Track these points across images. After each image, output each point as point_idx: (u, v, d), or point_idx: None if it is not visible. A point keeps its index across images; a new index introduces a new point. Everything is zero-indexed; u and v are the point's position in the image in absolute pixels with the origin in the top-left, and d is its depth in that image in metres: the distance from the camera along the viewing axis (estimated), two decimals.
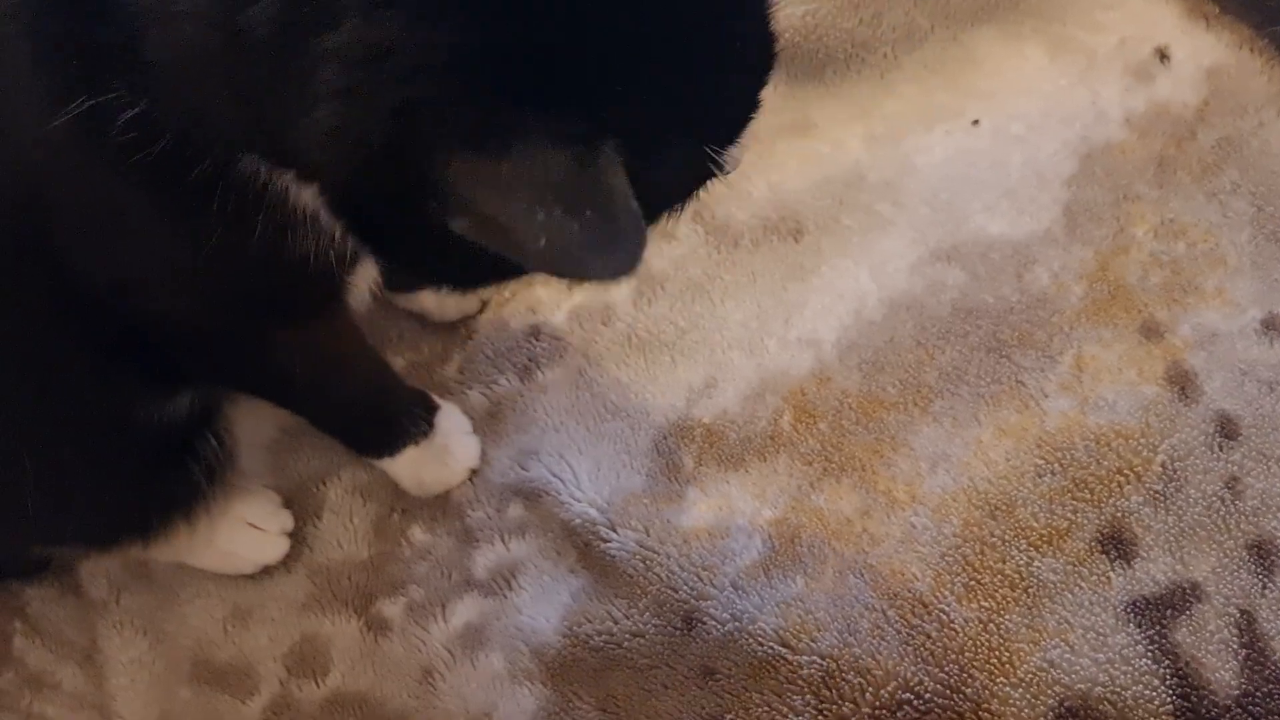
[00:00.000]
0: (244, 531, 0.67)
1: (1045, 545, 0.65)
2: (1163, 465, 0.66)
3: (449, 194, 0.38)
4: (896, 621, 0.64)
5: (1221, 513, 0.65)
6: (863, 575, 0.65)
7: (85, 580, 0.68)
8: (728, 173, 0.45)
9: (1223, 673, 0.62)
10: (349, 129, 0.38)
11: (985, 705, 0.62)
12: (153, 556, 0.67)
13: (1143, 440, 0.66)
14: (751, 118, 0.45)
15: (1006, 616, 0.63)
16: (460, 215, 0.39)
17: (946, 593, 0.64)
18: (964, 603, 0.64)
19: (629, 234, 0.39)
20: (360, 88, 0.38)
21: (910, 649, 0.63)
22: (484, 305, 0.73)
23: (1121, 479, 0.66)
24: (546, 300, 0.73)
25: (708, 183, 0.46)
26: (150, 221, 0.47)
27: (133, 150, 0.42)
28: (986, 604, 0.64)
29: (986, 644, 0.63)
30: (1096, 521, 0.65)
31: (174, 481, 0.60)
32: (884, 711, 0.62)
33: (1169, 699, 0.61)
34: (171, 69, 0.41)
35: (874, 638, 0.63)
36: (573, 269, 0.40)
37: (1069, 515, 0.65)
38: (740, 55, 0.44)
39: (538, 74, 0.39)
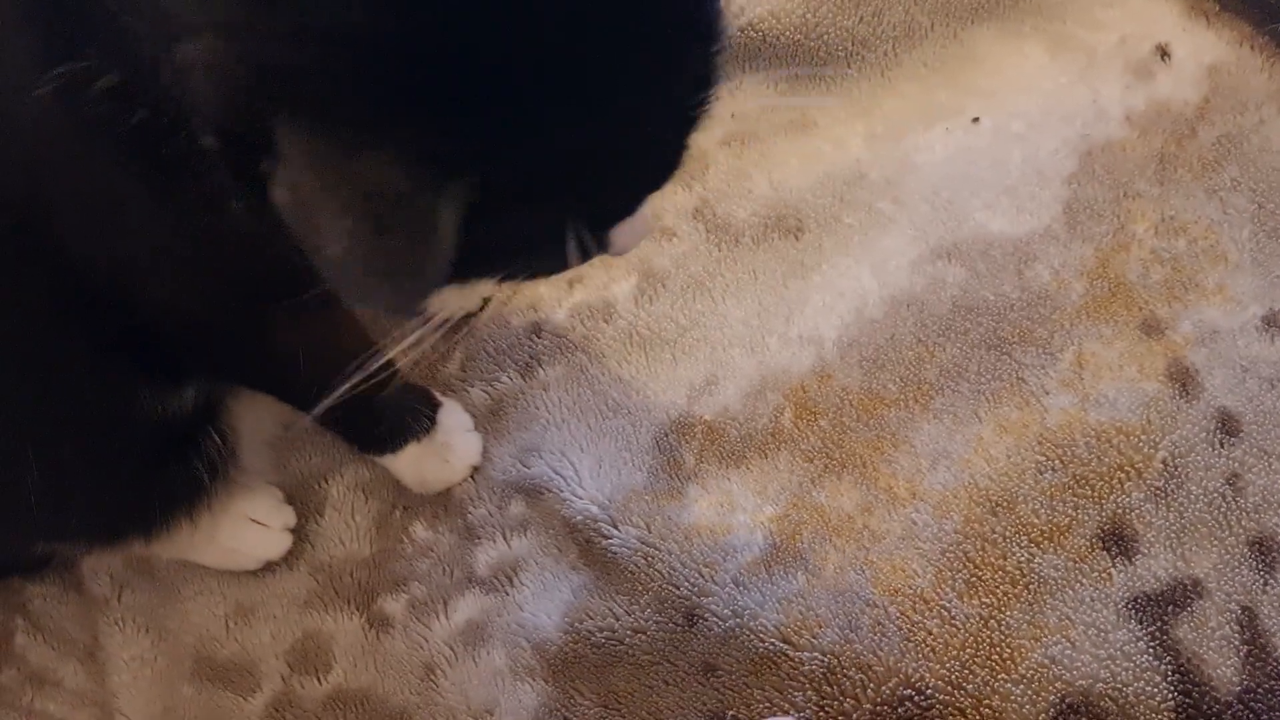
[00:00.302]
0: (247, 527, 0.67)
1: (1046, 542, 0.65)
2: (1164, 462, 0.66)
3: (283, 157, 0.35)
4: (897, 618, 0.64)
5: (1223, 509, 0.65)
6: (864, 572, 0.65)
7: (87, 577, 0.68)
8: (613, 254, 0.42)
9: (1224, 669, 0.62)
10: (221, 66, 0.36)
11: (986, 702, 0.62)
12: (155, 553, 0.67)
13: (1144, 437, 0.66)
14: (630, 213, 0.42)
15: (1007, 613, 0.63)
16: (283, 186, 0.36)
17: (947, 589, 0.64)
18: (965, 599, 0.64)
19: (427, 277, 0.36)
20: (247, 26, 0.35)
21: (911, 645, 0.63)
22: (485, 303, 0.73)
23: (1122, 475, 0.66)
24: (548, 297, 0.73)
25: (576, 261, 0.41)
26: (133, 200, 0.45)
27: (109, 123, 0.40)
28: (987, 600, 0.64)
29: (988, 640, 0.63)
30: (1097, 518, 0.65)
31: (177, 478, 0.60)
32: (885, 708, 0.62)
33: (1170, 695, 0.61)
34: (141, 39, 0.39)
35: (875, 634, 0.63)
36: (353, 288, 0.37)
37: (1070, 512, 0.65)
38: (640, 156, 0.41)
39: (423, 85, 0.35)
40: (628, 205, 0.42)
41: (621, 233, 0.43)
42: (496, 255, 0.41)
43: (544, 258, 0.42)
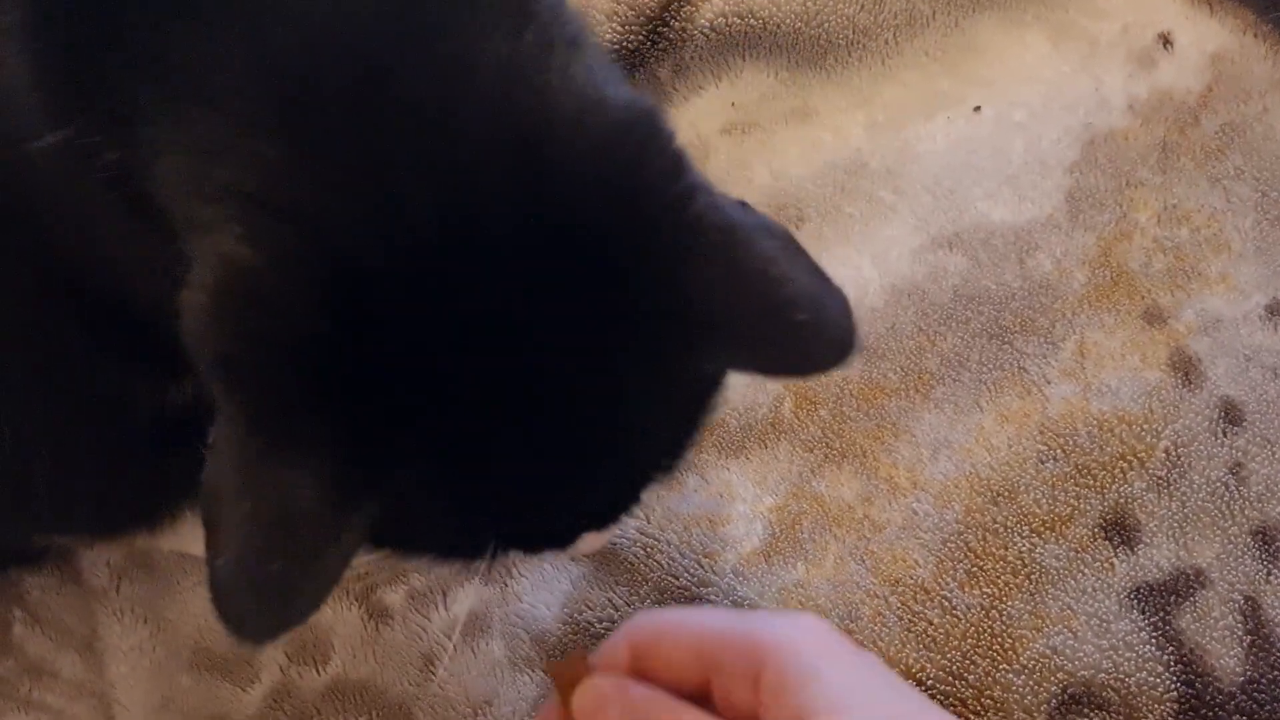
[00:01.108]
0: None
1: (1048, 531, 0.64)
2: (1166, 451, 0.65)
3: (218, 434, 0.34)
4: (898, 608, 0.63)
5: (1225, 499, 0.64)
6: (864, 562, 0.64)
7: (85, 568, 0.68)
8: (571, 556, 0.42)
9: (1227, 659, 0.61)
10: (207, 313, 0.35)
11: (988, 692, 0.61)
12: (157, 545, 0.66)
13: (1146, 426, 0.66)
14: (565, 546, 0.42)
15: (1009, 603, 0.63)
16: (211, 458, 0.35)
17: (948, 579, 0.64)
18: (966, 589, 0.63)
19: (295, 610, 0.35)
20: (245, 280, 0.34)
21: (912, 635, 0.63)
22: None
23: (1125, 465, 0.65)
24: None
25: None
26: (121, 246, 0.45)
27: (106, 187, 0.40)
28: (989, 590, 0.63)
29: (989, 630, 0.62)
30: (1099, 508, 0.65)
31: (181, 470, 0.60)
32: None
33: (1173, 685, 0.61)
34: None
35: (875, 624, 0.63)
36: (213, 585, 0.35)
37: (1072, 501, 0.65)
38: (576, 502, 0.40)
39: (360, 409, 0.34)
40: (562, 541, 0.42)
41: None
42: (408, 552, 0.41)
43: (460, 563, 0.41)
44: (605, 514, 0.42)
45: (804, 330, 0.37)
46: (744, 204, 0.39)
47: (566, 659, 0.52)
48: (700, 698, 0.48)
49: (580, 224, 0.35)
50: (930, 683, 0.62)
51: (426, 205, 0.34)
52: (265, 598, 0.34)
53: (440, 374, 0.35)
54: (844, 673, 0.45)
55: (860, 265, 0.72)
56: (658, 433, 0.39)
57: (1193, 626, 0.62)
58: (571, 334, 0.36)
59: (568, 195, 0.35)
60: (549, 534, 0.42)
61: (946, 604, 0.63)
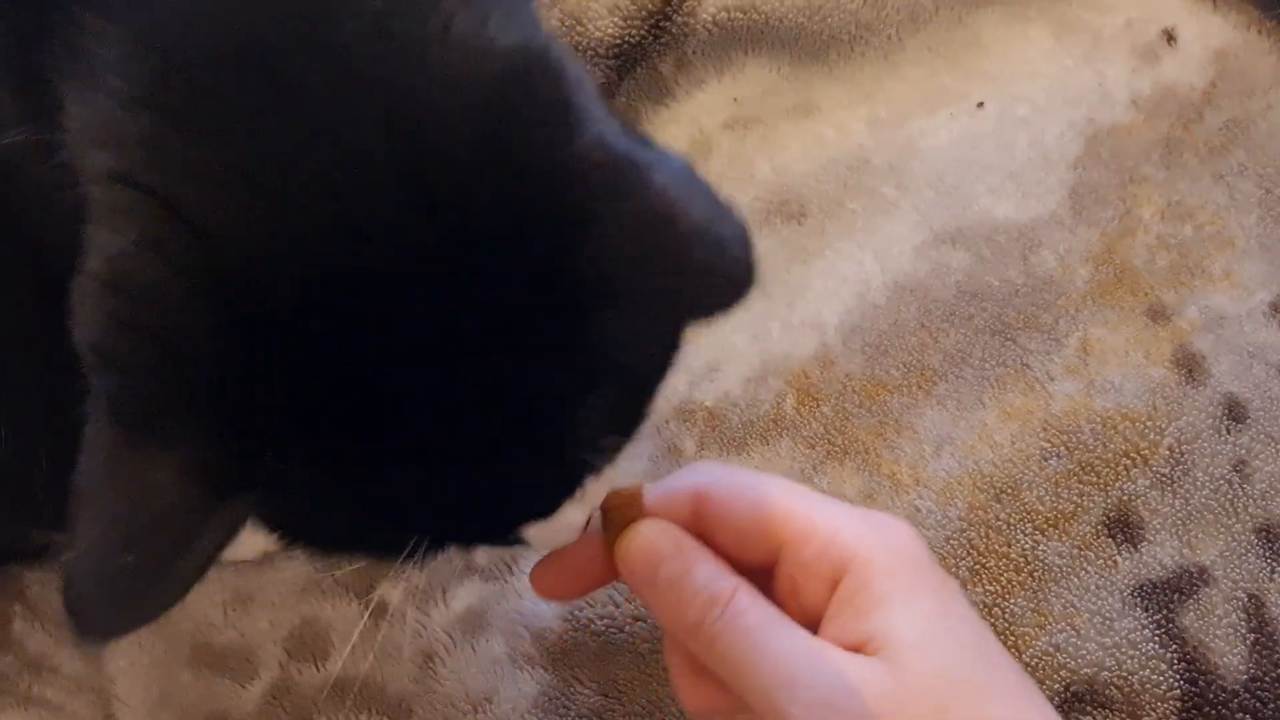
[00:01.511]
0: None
1: (1051, 529, 0.64)
2: (1170, 448, 0.65)
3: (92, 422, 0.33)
4: None
5: (1229, 496, 0.64)
6: None
7: None
8: (528, 546, 0.39)
9: (1230, 657, 0.61)
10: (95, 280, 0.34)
11: None
12: None
13: (1150, 423, 0.66)
14: (503, 540, 0.39)
15: (1012, 600, 0.63)
16: (87, 446, 0.33)
17: (951, 576, 0.63)
18: (969, 586, 0.63)
19: (147, 607, 0.33)
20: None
21: None
22: None
23: (1128, 462, 0.65)
24: None
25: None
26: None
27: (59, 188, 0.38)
28: (991, 588, 0.63)
29: (992, 627, 0.62)
30: (1103, 505, 0.64)
31: None
32: None
33: (1176, 683, 0.61)
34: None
35: None
36: (65, 579, 0.33)
37: (1075, 499, 0.65)
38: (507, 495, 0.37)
39: (230, 401, 0.32)
40: (498, 533, 0.39)
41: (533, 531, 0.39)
42: (315, 546, 0.38)
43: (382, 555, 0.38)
44: (541, 504, 0.38)
45: (699, 269, 0.34)
46: (644, 138, 0.36)
47: (620, 491, 0.45)
48: (758, 574, 0.44)
49: (461, 188, 0.33)
50: None
51: (305, 184, 0.32)
52: (114, 593, 0.33)
53: (324, 362, 0.33)
54: (920, 608, 0.42)
55: (863, 261, 0.71)
56: (585, 408, 0.36)
57: (1196, 624, 0.62)
58: (472, 310, 0.33)
59: (446, 158, 0.33)
60: (480, 527, 0.39)
61: None
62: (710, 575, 0.43)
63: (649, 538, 0.44)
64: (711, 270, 0.34)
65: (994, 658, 0.44)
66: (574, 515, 0.40)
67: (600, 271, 0.34)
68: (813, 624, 0.43)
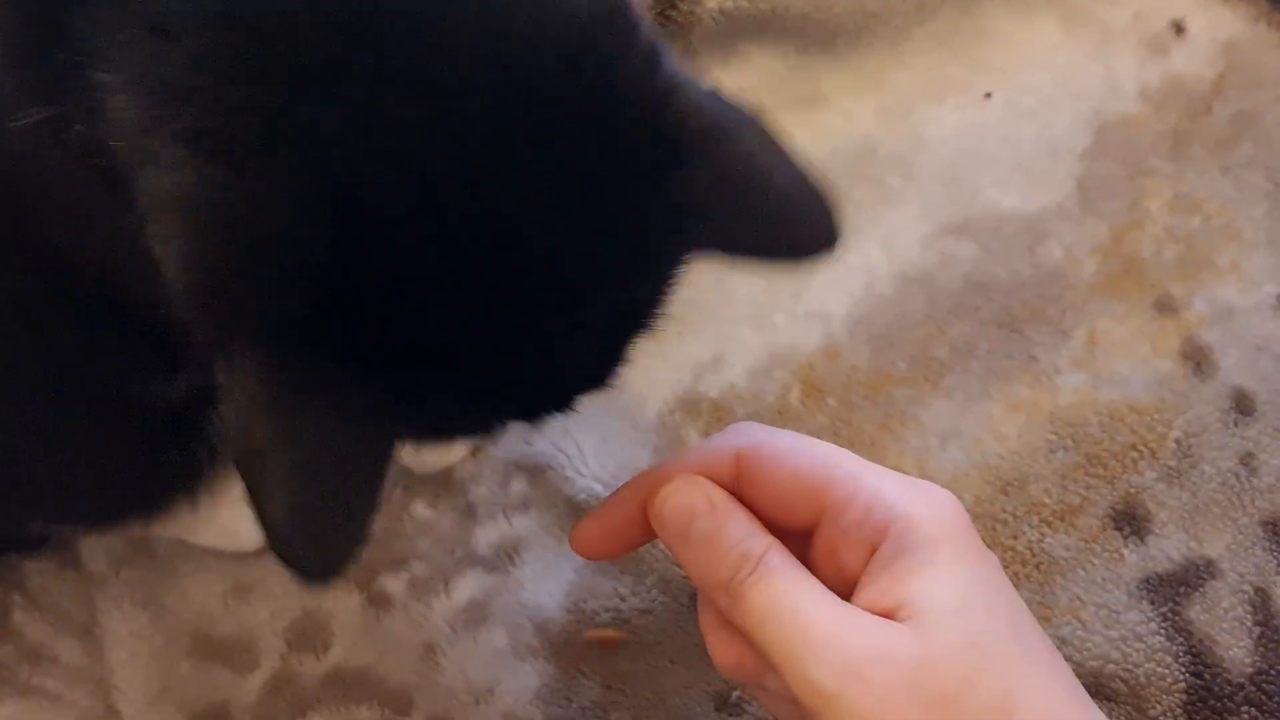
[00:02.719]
0: (247, 509, 0.66)
1: (1058, 522, 0.64)
2: (1177, 441, 0.65)
3: (236, 382, 0.34)
4: None
5: (1236, 489, 0.64)
6: None
7: (85, 554, 0.68)
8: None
9: (1236, 650, 0.61)
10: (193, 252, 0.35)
11: None
12: (154, 533, 0.66)
13: (1157, 416, 0.65)
14: (563, 409, 0.42)
15: (1018, 593, 0.62)
16: (232, 411, 0.34)
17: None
18: None
19: (353, 543, 0.35)
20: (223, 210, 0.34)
21: None
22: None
23: (1135, 455, 0.65)
24: None
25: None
26: (103, 221, 0.44)
27: (80, 160, 0.38)
28: None
29: None
30: (1110, 498, 0.64)
31: (178, 460, 0.59)
32: None
33: (1182, 676, 0.60)
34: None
35: None
36: (271, 541, 0.35)
37: (1082, 491, 0.64)
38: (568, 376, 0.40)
39: (375, 339, 0.34)
40: (560, 405, 0.41)
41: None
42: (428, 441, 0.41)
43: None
44: (599, 373, 0.41)
45: (794, 215, 0.39)
46: (717, 93, 0.39)
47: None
48: (796, 538, 0.44)
49: (561, 128, 0.35)
50: None
51: (410, 120, 0.34)
52: (324, 541, 0.35)
53: (438, 276, 0.35)
54: (958, 576, 0.41)
55: (869, 252, 0.71)
56: (643, 298, 0.40)
57: (1202, 617, 0.61)
58: (561, 231, 0.36)
59: (546, 96, 0.35)
60: (550, 400, 0.42)
61: None
62: (743, 533, 0.43)
63: (684, 494, 0.44)
64: (807, 217, 0.39)
65: (1026, 631, 0.44)
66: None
67: (700, 210, 0.37)
68: (848, 589, 0.43)
